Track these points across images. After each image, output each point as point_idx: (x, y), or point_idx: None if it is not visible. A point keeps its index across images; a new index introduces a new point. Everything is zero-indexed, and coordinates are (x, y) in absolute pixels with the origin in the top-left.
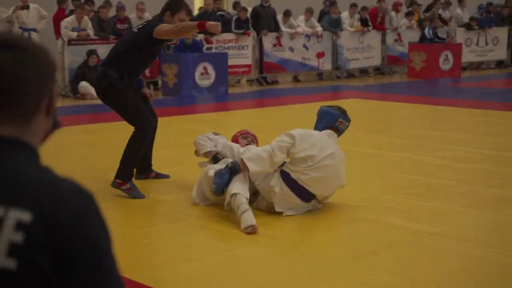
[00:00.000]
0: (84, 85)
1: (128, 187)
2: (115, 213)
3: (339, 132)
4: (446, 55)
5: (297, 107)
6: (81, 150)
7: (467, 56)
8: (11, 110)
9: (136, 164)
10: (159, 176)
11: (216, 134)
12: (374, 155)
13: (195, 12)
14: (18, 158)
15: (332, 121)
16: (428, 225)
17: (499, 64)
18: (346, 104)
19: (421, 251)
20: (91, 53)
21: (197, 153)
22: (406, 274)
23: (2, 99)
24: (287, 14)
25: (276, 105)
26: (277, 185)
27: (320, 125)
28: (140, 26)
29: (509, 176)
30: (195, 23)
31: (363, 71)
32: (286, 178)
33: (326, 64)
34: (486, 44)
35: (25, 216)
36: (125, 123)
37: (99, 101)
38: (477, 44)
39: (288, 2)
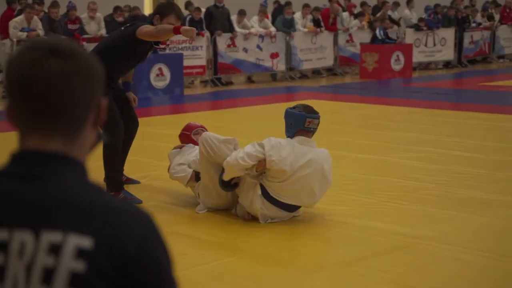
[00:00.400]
0: None
1: (122, 197)
2: None
3: (311, 132)
4: (398, 56)
5: (255, 108)
6: None
7: (416, 56)
8: (59, 122)
9: (117, 170)
10: (129, 181)
11: (180, 147)
12: (344, 157)
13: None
14: (69, 176)
15: (300, 123)
16: (417, 229)
17: (447, 64)
18: None
19: (415, 256)
20: None
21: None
22: (403, 282)
23: (50, 111)
24: (241, 13)
25: (233, 106)
26: (259, 201)
27: (291, 130)
28: (128, 25)
29: (482, 177)
30: (171, 26)
31: (316, 72)
32: (266, 194)
33: (280, 65)
34: (434, 44)
35: (86, 242)
36: None
37: None
38: (425, 45)
39: (241, 3)
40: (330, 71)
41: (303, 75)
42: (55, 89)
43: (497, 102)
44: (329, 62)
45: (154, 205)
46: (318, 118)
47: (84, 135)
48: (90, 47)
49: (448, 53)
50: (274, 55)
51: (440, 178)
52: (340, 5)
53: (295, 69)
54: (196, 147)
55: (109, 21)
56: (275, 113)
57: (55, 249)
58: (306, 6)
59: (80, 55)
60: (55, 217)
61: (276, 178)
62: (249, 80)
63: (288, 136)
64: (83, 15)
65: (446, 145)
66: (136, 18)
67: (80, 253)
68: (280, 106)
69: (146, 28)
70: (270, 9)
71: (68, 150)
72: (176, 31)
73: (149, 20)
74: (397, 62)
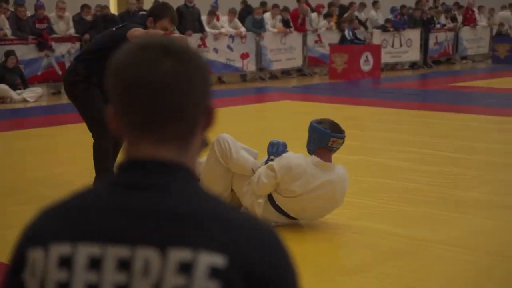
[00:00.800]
0: (3, 88)
1: None
2: None
3: (332, 151)
4: (367, 56)
5: (229, 109)
6: (13, 158)
7: (384, 57)
8: (172, 127)
9: (107, 172)
10: None
11: None
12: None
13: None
14: (184, 186)
15: (323, 141)
16: (419, 231)
17: (412, 65)
18: (278, 106)
19: (418, 258)
20: (9, 54)
21: None
22: (408, 285)
23: (163, 115)
24: (211, 13)
25: None
26: (262, 205)
27: (312, 145)
28: (120, 26)
29: (477, 178)
30: (162, 33)
31: (285, 72)
32: (272, 200)
33: (250, 65)
34: (401, 45)
35: (219, 260)
36: (49, 129)
37: (20, 105)
38: (392, 46)
39: (211, 3)
40: (299, 71)
41: (273, 76)
42: (169, 91)
43: (468, 103)
44: (298, 62)
45: None
46: (342, 138)
47: (194, 140)
48: (58, 46)
49: (414, 54)
50: (244, 56)
51: (434, 180)
52: (309, 5)
53: (265, 70)
54: None
55: (77, 20)
56: (249, 115)
57: (186, 268)
58: (275, 6)
59: (191, 55)
60: (180, 232)
61: (284, 193)
62: (219, 80)
63: (309, 150)
64: (51, 14)
65: (434, 146)
66: (106, 17)
67: (214, 273)
68: (254, 108)
69: (136, 31)
70: (238, 8)
71: (183, 158)
72: None
73: (142, 21)
74: (366, 63)
